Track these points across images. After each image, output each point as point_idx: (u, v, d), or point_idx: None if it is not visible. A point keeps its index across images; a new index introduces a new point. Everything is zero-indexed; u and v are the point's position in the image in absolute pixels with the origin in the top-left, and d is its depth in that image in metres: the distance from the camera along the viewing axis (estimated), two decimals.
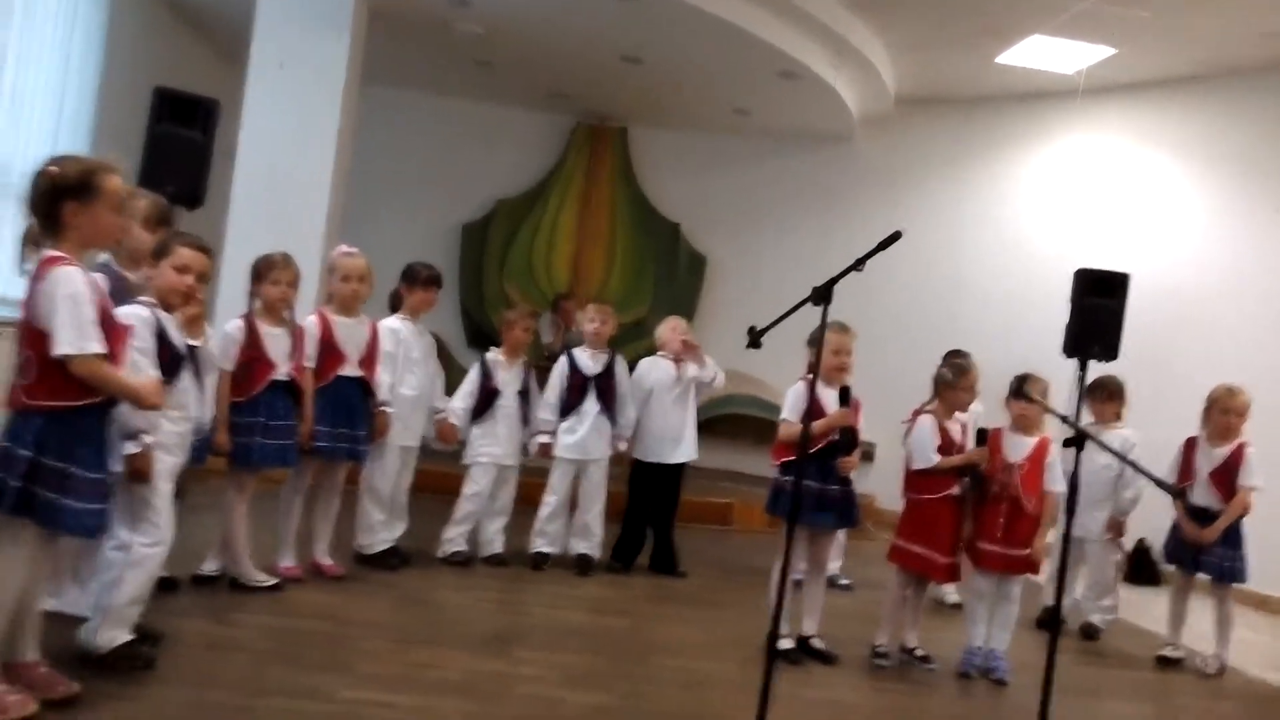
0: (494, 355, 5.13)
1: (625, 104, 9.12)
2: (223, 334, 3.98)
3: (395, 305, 4.80)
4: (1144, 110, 8.18)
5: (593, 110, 9.43)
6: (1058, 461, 4.30)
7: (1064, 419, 3.19)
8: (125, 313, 2.99)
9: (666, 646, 4.13)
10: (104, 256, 3.51)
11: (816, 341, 4.19)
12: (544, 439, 5.12)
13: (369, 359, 4.43)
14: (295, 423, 4.08)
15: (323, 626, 3.77)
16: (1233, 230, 7.81)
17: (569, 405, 5.17)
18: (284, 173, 6.76)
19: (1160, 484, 3.18)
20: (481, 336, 8.92)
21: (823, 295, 2.89)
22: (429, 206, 9.31)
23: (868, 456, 8.20)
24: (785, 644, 4.11)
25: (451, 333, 8.86)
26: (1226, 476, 4.80)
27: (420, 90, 9.29)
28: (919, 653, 4.30)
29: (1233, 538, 4.78)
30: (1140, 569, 7.18)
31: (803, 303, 3.05)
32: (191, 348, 3.28)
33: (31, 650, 2.78)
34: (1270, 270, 7.43)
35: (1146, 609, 5.87)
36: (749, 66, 7.63)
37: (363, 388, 4.41)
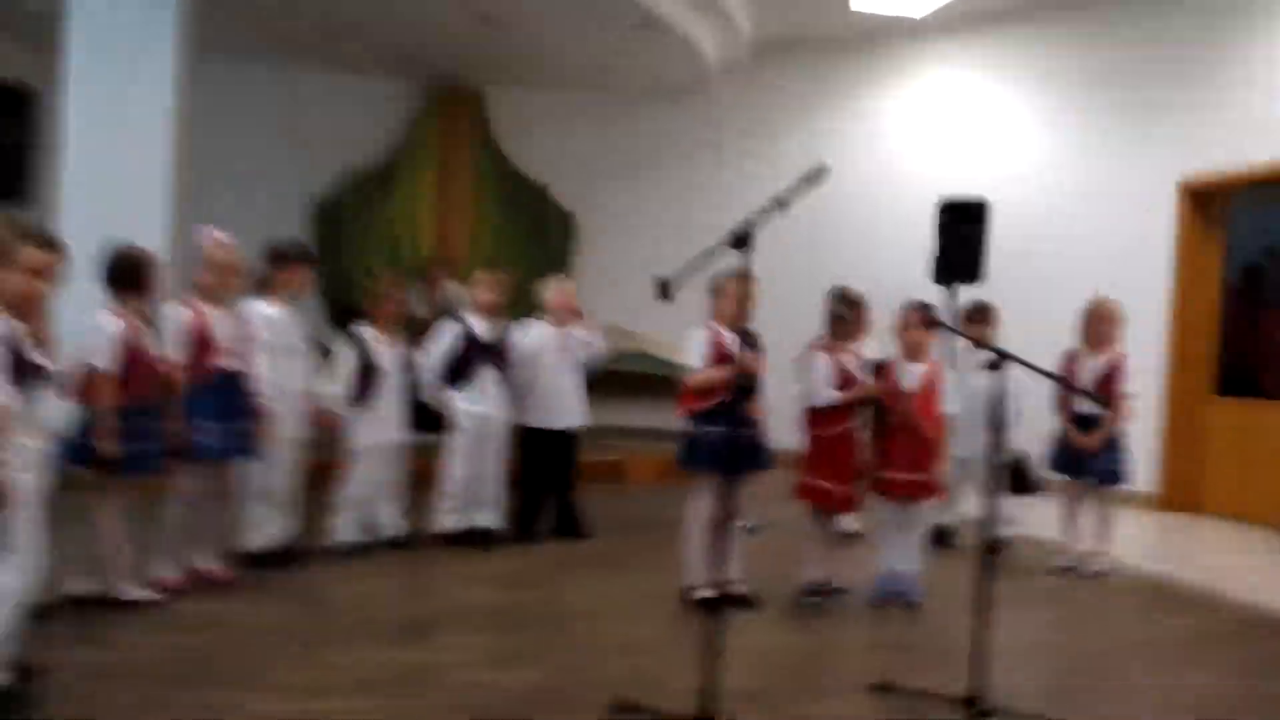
0: (367, 331, 4.86)
1: (482, 65, 8.78)
2: (103, 334, 3.64)
3: (263, 287, 4.47)
4: (989, 44, 8.44)
5: (446, 73, 9.05)
6: (949, 385, 4.38)
7: (981, 344, 3.23)
8: None
9: (586, 614, 4.04)
10: None
11: (718, 288, 4.20)
12: (435, 394, 4.95)
13: (244, 352, 4.12)
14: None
15: (220, 638, 3.50)
16: (1079, 150, 8.17)
17: (466, 375, 4.97)
18: (115, 158, 6.19)
19: (1089, 395, 3.27)
20: (345, 314, 8.48)
21: (741, 240, 2.79)
22: (278, 182, 8.76)
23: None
24: (704, 594, 4.09)
25: (309, 313, 8.42)
26: (1105, 386, 5.02)
27: (261, 60, 8.70)
28: (834, 585, 4.35)
29: (1114, 443, 5.02)
30: (1020, 481, 7.50)
31: (717, 247, 2.94)
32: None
33: None
34: (1114, 189, 7.81)
35: (1031, 514, 6.10)
36: (605, 20, 7.44)
37: (242, 380, 4.10)
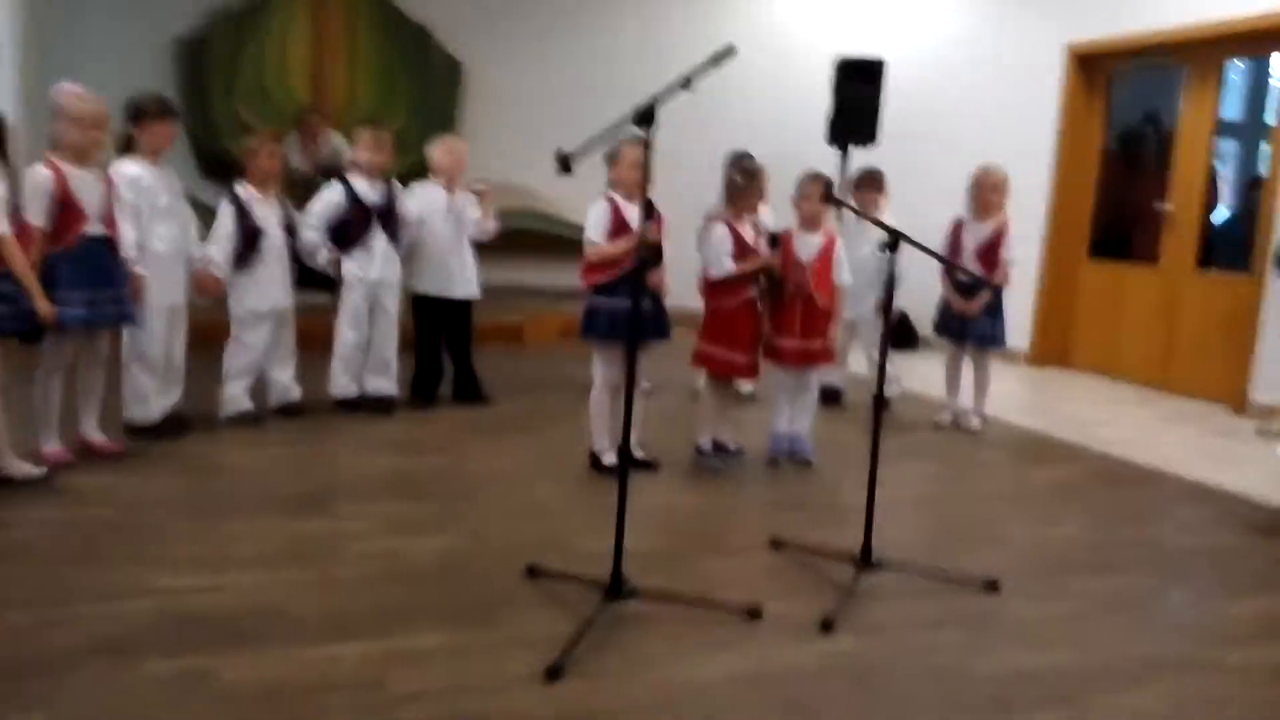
0: (245, 191, 4.59)
1: None
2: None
3: (127, 147, 4.14)
4: None
5: None
6: (844, 257, 4.45)
7: (878, 223, 3.25)
8: None
9: (492, 478, 4.07)
10: None
11: (616, 156, 4.10)
12: (323, 257, 4.78)
13: (109, 216, 3.84)
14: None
15: (112, 513, 3.40)
16: (971, 14, 8.17)
17: (353, 238, 4.79)
18: None
19: (967, 273, 3.36)
20: (218, 167, 8.01)
21: (645, 117, 2.70)
22: (134, 21, 8.01)
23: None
24: (608, 459, 4.16)
25: (180, 166, 7.89)
26: (990, 252, 5.19)
27: None
28: (731, 446, 4.48)
29: (995, 309, 5.23)
30: (902, 337, 7.81)
31: (620, 124, 2.85)
32: None
33: None
34: (1004, 54, 7.87)
35: (912, 370, 6.39)
36: None
37: (110, 246, 3.84)
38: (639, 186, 4.06)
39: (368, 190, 4.83)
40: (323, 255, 4.76)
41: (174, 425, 4.33)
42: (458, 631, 2.66)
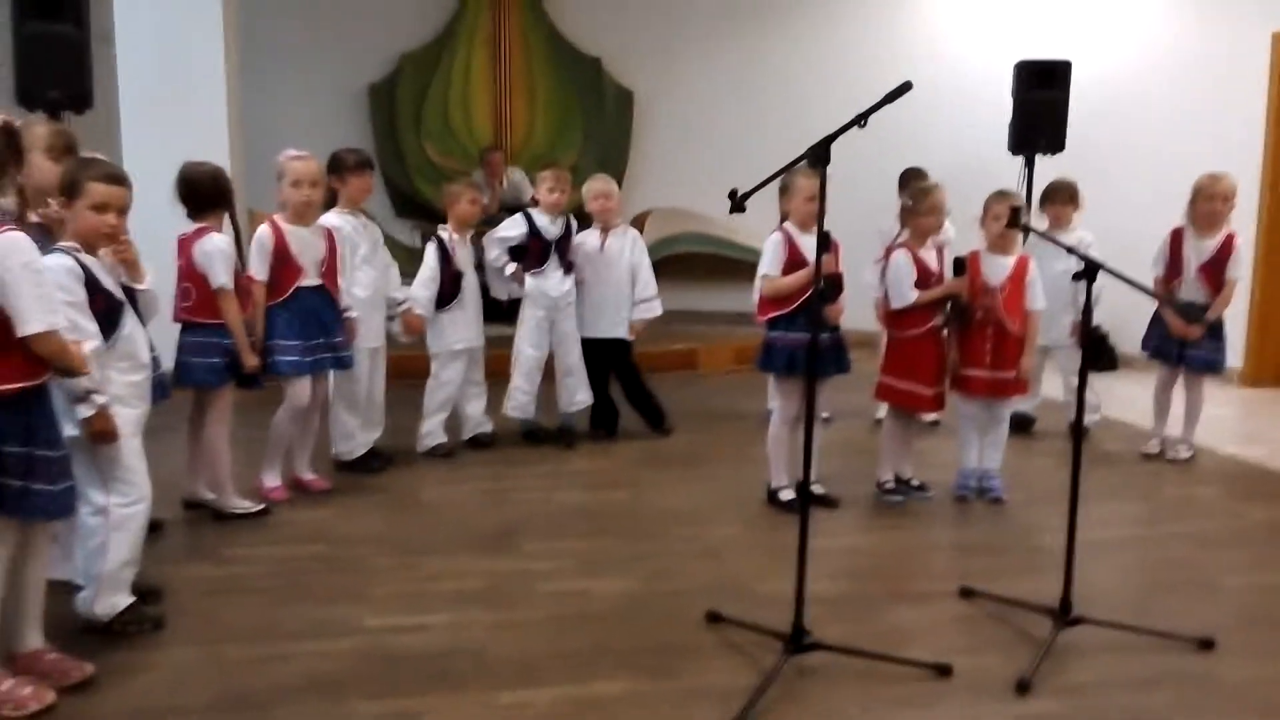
0: (448, 234, 4.84)
1: None
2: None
3: (330, 201, 4.45)
4: None
5: None
6: (1038, 279, 4.25)
7: (1071, 250, 3.09)
8: (48, 265, 2.66)
9: (670, 516, 4.11)
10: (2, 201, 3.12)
11: (787, 189, 4.08)
12: (508, 270, 4.96)
13: (329, 268, 4.16)
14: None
15: (323, 550, 3.65)
16: (1177, 10, 7.65)
17: (531, 268, 4.97)
18: (171, 53, 6.11)
19: (1150, 293, 3.16)
20: (410, 205, 8.50)
21: (819, 156, 2.68)
22: (330, 71, 8.57)
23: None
24: (786, 495, 4.13)
25: (375, 206, 8.39)
26: (1216, 269, 4.76)
27: None
28: (915, 482, 4.36)
29: (1216, 330, 4.83)
30: (1100, 357, 7.36)
31: (795, 163, 2.85)
32: (130, 291, 2.98)
33: (35, 637, 2.63)
34: (1202, 43, 7.33)
35: (1111, 393, 6.01)
36: None
37: (327, 296, 4.16)
38: (814, 218, 4.04)
39: (548, 225, 5.00)
40: (501, 261, 4.94)
41: (375, 460, 4.61)
42: (641, 679, 2.71)
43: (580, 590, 3.31)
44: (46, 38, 4.91)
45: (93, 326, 2.73)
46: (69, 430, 2.75)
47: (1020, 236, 4.34)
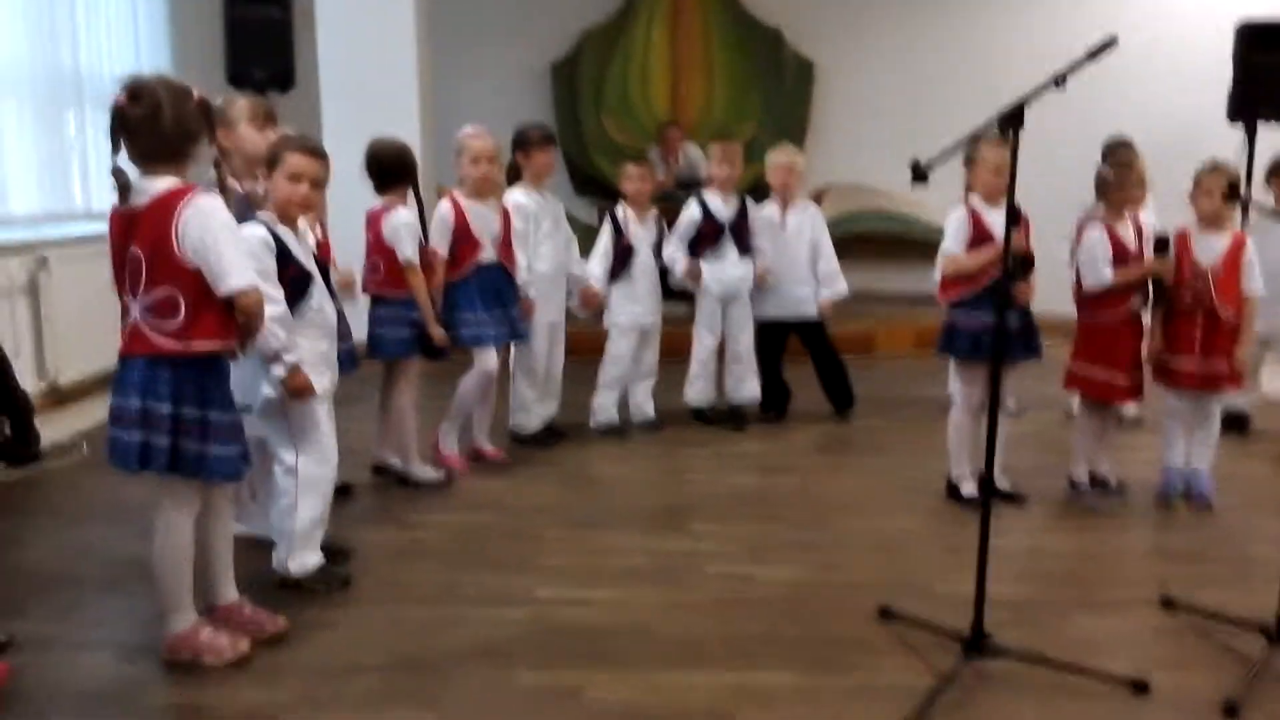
0: (623, 212, 4.86)
1: None
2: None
3: (514, 176, 4.54)
4: None
5: None
6: (1255, 261, 3.86)
7: None
8: (245, 234, 2.82)
9: (843, 504, 4.00)
10: (213, 172, 3.33)
11: (972, 160, 3.85)
12: (680, 267, 4.87)
13: (505, 243, 4.25)
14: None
15: (498, 519, 3.76)
16: None
17: (704, 251, 4.90)
18: (366, 37, 6.39)
19: None
20: (590, 183, 8.60)
21: (1013, 119, 2.50)
22: (515, 50, 8.78)
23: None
24: (968, 488, 3.94)
25: (555, 183, 8.52)
26: None
27: None
28: (1111, 481, 4.07)
29: None
30: None
31: (983, 127, 2.67)
32: (323, 264, 3.13)
33: (230, 591, 2.81)
34: None
35: None
36: None
37: (504, 271, 4.25)
38: (1002, 191, 3.80)
39: (720, 206, 4.92)
40: (679, 267, 4.90)
41: (550, 435, 4.70)
42: (808, 673, 2.64)
43: (747, 575, 3.26)
44: (254, 20, 5.24)
45: (278, 294, 2.86)
46: (266, 391, 2.92)
47: (1238, 213, 3.95)
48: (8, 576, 3.23)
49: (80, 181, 5.68)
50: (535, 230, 4.47)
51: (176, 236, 2.40)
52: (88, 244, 5.22)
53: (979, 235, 3.81)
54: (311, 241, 3.15)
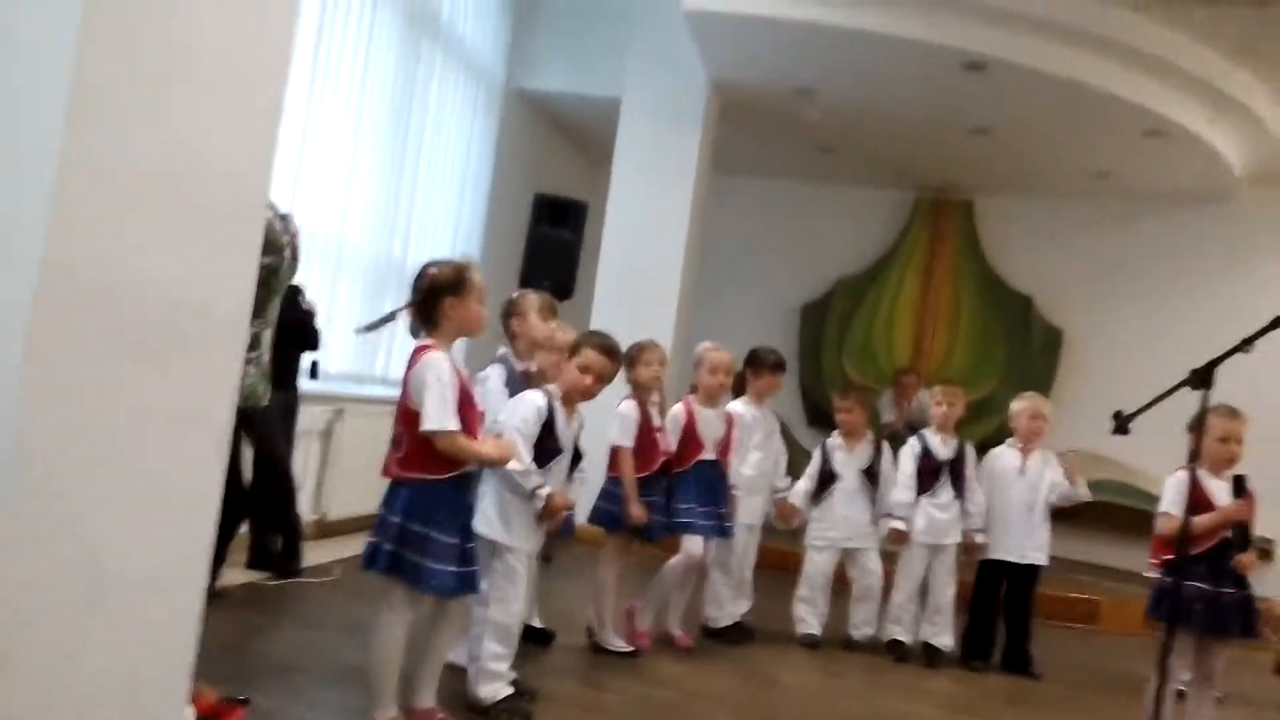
0: (833, 440, 5.17)
1: (970, 175, 8.89)
2: (620, 415, 4.35)
3: (739, 390, 4.98)
4: None
5: (935, 184, 9.28)
6: None
7: None
8: (524, 398, 3.41)
9: None
10: (502, 350, 4.00)
11: (1198, 426, 3.86)
12: (895, 524, 5.00)
13: (724, 446, 4.66)
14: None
15: (675, 697, 3.93)
16: None
17: (921, 490, 5.05)
18: (640, 263, 7.28)
19: None
20: (821, 416, 8.93)
21: (1203, 379, 2.64)
22: (771, 288, 9.54)
23: (1266, 555, 7.20)
24: None
25: (792, 413, 8.95)
26: None
27: (763, 177, 9.63)
28: None
29: None
30: None
31: (1179, 386, 2.81)
32: (577, 451, 3.62)
33: (428, 696, 3.13)
34: None
35: None
36: (1109, 128, 7.17)
37: (720, 471, 4.63)
38: (1227, 461, 3.78)
39: (939, 446, 5.09)
40: (893, 522, 5.00)
41: (738, 633, 4.86)
42: None
43: None
44: (550, 240, 6.15)
45: (528, 455, 3.35)
46: (480, 529, 3.29)
47: None
48: (252, 658, 3.75)
49: (385, 350, 6.69)
50: (747, 439, 4.88)
51: (408, 383, 2.96)
52: (378, 404, 6.10)
53: (1198, 501, 3.76)
54: (576, 426, 3.64)
